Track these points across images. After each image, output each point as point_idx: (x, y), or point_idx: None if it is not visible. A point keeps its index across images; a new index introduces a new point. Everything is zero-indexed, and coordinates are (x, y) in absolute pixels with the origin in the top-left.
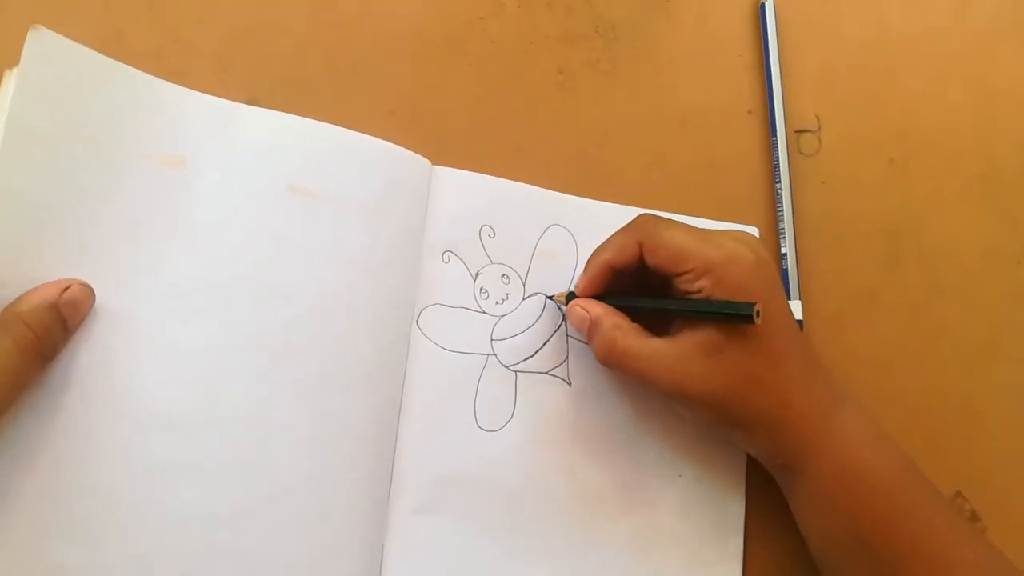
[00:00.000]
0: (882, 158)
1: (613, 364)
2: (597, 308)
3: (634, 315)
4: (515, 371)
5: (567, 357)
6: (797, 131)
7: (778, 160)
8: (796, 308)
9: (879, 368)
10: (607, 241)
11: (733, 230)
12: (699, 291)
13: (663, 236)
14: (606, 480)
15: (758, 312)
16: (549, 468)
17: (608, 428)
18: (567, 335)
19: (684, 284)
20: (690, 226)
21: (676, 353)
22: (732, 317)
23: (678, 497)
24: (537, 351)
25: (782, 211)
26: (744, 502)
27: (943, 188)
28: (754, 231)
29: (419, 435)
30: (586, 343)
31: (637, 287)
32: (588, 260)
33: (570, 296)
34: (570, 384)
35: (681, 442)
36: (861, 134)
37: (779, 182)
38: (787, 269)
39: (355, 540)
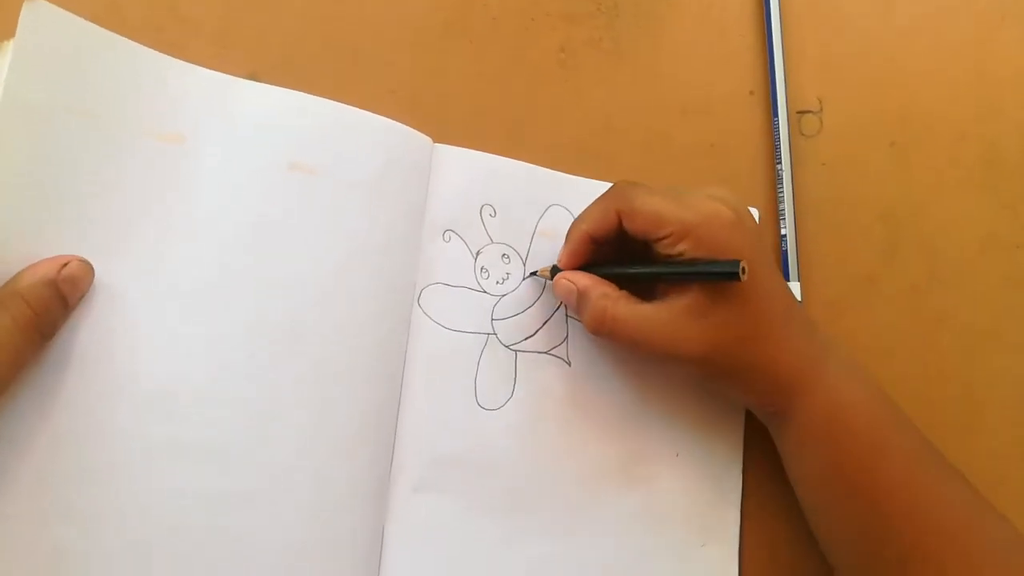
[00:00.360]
0: (883, 141)
1: (605, 333)
2: (583, 279)
3: (619, 283)
4: (515, 350)
5: (567, 337)
6: (799, 112)
7: (779, 141)
8: (795, 290)
9: (878, 354)
10: (585, 211)
11: (710, 187)
12: (680, 254)
13: (640, 202)
14: (605, 458)
15: (743, 269)
16: (548, 447)
17: (607, 407)
18: (567, 315)
19: (664, 248)
20: (667, 190)
21: (665, 317)
22: (718, 276)
23: (677, 475)
24: (537, 331)
25: (782, 192)
26: (741, 480)
27: (944, 172)
28: (754, 212)
29: (419, 414)
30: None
31: (618, 255)
32: (568, 232)
33: (554, 270)
34: (570, 364)
35: (680, 421)
36: (863, 116)
37: (780, 163)
38: (787, 251)
39: (356, 521)
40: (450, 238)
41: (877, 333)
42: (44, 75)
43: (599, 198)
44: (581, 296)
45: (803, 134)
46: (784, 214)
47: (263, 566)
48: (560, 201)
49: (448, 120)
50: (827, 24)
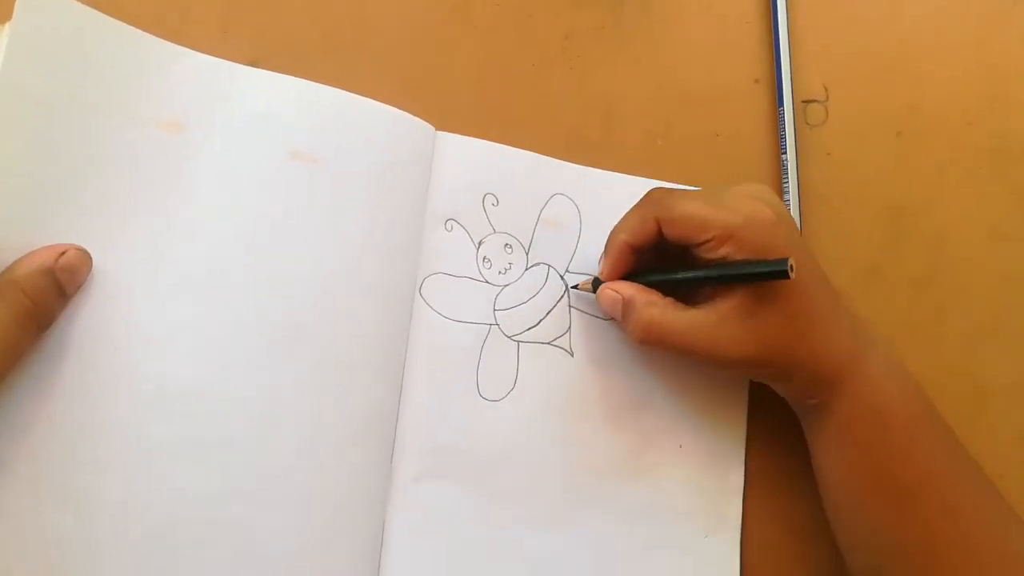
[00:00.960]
0: (890, 131)
1: (654, 341)
2: (627, 288)
3: (663, 290)
4: (517, 341)
5: (569, 327)
6: (804, 101)
7: (784, 130)
8: None
9: None
10: (623, 221)
11: (746, 185)
12: (724, 257)
13: (679, 208)
14: (607, 450)
15: (792, 266)
16: (550, 438)
17: (609, 398)
18: (569, 306)
19: (707, 252)
20: (704, 192)
21: (713, 321)
22: (767, 275)
23: (679, 466)
24: (540, 321)
25: (787, 183)
26: (744, 471)
27: (951, 163)
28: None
29: (421, 405)
30: (594, 315)
31: (657, 262)
32: (607, 242)
33: (595, 283)
34: (572, 354)
35: (682, 412)
36: (869, 105)
37: (785, 153)
38: None
39: (357, 513)
40: (452, 227)
41: (881, 325)
42: (41, 60)
43: (635, 207)
44: (627, 306)
45: (809, 124)
46: (789, 204)
47: (264, 560)
48: (563, 190)
49: (451, 107)
50: (834, 11)
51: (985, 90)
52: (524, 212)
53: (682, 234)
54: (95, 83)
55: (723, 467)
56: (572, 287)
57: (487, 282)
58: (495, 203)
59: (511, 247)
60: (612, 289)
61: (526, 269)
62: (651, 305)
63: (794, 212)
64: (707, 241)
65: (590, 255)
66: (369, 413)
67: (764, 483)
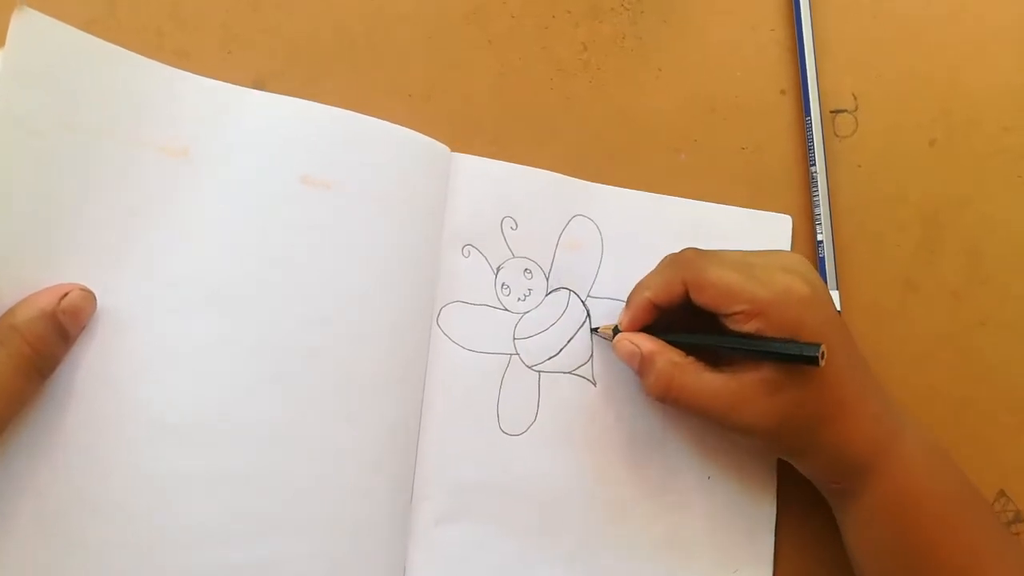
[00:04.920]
0: (923, 139)
1: (671, 401)
2: (648, 343)
3: (686, 348)
4: (538, 371)
5: (592, 356)
6: (832, 111)
7: (812, 142)
8: (835, 298)
9: (919, 360)
10: (650, 277)
11: (782, 254)
12: (752, 331)
13: (709, 274)
14: (633, 483)
15: (823, 354)
16: (574, 471)
17: (634, 429)
18: (591, 332)
19: (735, 324)
20: (738, 260)
21: (735, 389)
22: (795, 359)
23: (708, 499)
24: (561, 350)
25: (817, 196)
26: (775, 502)
27: (987, 170)
28: (787, 219)
29: (441, 440)
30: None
31: (683, 318)
32: (630, 296)
33: (616, 329)
34: (595, 384)
35: (710, 443)
36: (900, 113)
37: (814, 165)
38: (823, 257)
39: (377, 553)
40: (469, 253)
41: (919, 339)
42: (36, 89)
43: (665, 264)
44: (645, 361)
45: (837, 135)
46: (820, 219)
47: None
48: (584, 211)
49: (465, 125)
50: (860, 16)
51: (1023, 93)
52: (544, 235)
53: (710, 301)
54: (93, 111)
55: (754, 499)
56: (593, 330)
57: (506, 309)
58: (514, 226)
59: (531, 272)
60: (631, 340)
61: (547, 294)
62: (672, 365)
63: (825, 227)
64: (735, 313)
65: (612, 279)
66: (386, 449)
67: (797, 515)
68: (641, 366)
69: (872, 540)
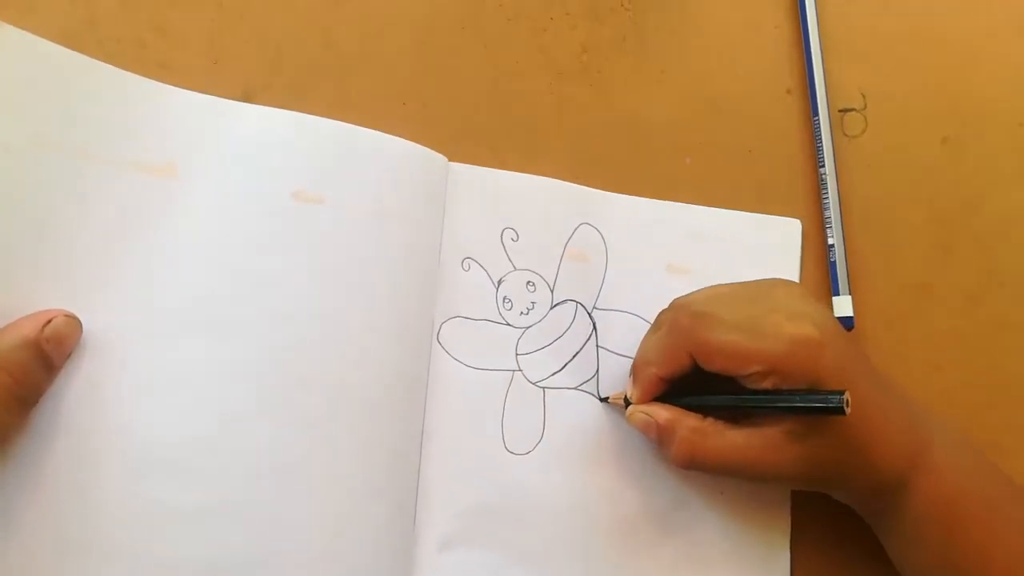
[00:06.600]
0: (935, 137)
1: (696, 468)
2: (663, 412)
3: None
4: (542, 387)
5: (597, 370)
6: (841, 110)
7: (821, 143)
8: (846, 304)
9: (936, 365)
10: (650, 351)
11: (777, 290)
12: (770, 387)
13: (713, 342)
14: (644, 501)
15: (847, 402)
16: (583, 491)
17: (643, 445)
18: (597, 346)
19: (750, 383)
20: (737, 315)
21: (760, 444)
22: (820, 411)
23: (721, 514)
24: (566, 365)
25: (827, 199)
26: (790, 516)
27: (1001, 168)
28: (797, 223)
29: (443, 462)
30: (623, 355)
31: (696, 377)
32: (635, 368)
33: (627, 399)
34: (601, 400)
35: None
36: (911, 111)
37: (823, 167)
38: (835, 262)
39: None
40: (469, 266)
41: (935, 342)
42: (15, 107)
43: (663, 336)
44: (663, 431)
45: (846, 134)
46: (830, 222)
47: None
48: (588, 219)
49: (462, 134)
50: (868, 10)
51: None
52: (547, 246)
53: (721, 369)
54: (75, 129)
55: (768, 514)
56: (602, 399)
57: (508, 324)
58: (515, 238)
59: (534, 284)
60: (644, 411)
61: (551, 307)
62: (693, 432)
63: (836, 230)
64: (750, 375)
65: (618, 289)
66: (386, 473)
67: (813, 530)
68: (659, 437)
69: (914, 551)
